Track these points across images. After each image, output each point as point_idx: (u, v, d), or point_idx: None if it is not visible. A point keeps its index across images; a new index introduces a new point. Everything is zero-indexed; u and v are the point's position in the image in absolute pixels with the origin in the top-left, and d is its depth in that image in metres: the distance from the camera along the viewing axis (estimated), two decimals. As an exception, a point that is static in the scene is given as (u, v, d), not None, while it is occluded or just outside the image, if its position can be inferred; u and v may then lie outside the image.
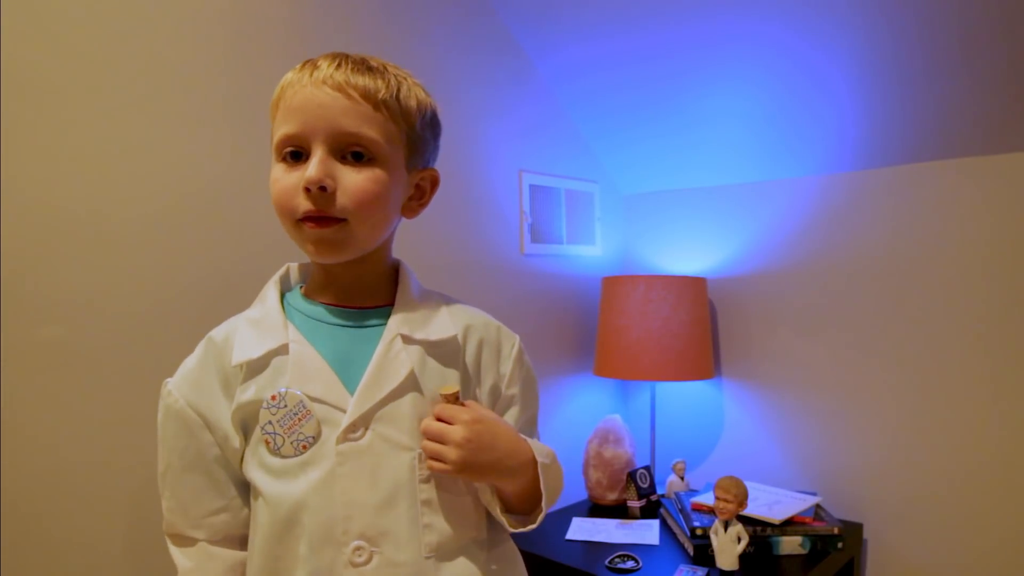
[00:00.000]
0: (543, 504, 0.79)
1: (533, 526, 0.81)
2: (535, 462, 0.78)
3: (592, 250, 1.94)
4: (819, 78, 1.47)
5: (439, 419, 0.74)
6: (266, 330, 0.76)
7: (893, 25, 1.31)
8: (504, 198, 1.68)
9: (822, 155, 1.62)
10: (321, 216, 0.71)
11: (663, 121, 1.74)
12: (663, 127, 1.76)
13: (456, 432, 0.72)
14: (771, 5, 1.38)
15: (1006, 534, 1.43)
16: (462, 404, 0.76)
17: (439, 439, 0.73)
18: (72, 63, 1.02)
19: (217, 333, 0.79)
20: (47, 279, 1.00)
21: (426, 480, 0.74)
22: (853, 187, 1.62)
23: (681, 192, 1.92)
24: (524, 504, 0.80)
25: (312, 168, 0.69)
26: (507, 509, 0.80)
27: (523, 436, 0.81)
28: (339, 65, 0.72)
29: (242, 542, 0.79)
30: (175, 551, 0.78)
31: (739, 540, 1.31)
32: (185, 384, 0.76)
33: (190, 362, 0.78)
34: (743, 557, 1.34)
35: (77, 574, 1.03)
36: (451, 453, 0.72)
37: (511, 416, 0.84)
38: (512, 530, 0.80)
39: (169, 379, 0.78)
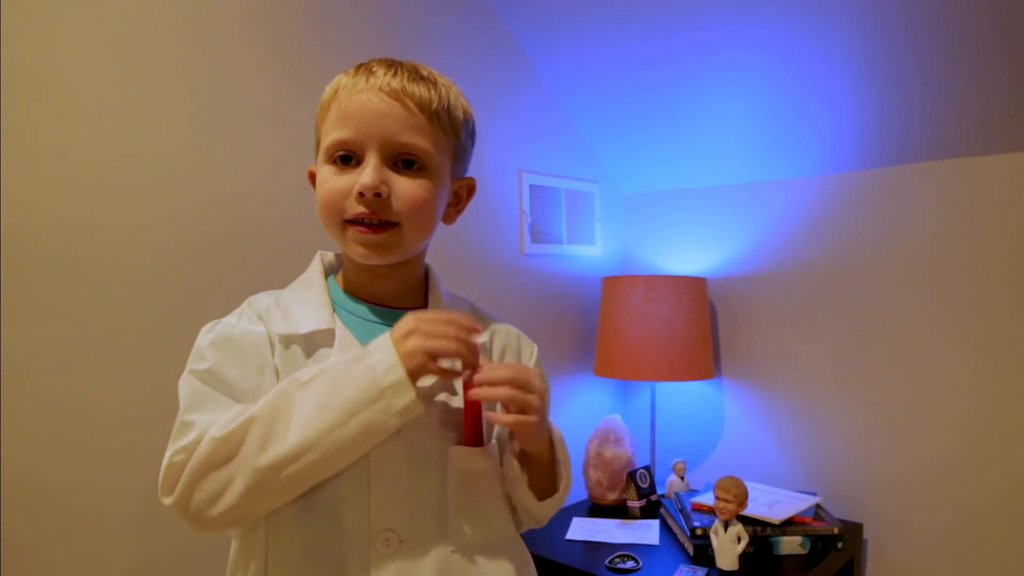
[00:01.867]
0: (560, 469, 0.81)
1: (559, 494, 0.82)
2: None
3: (592, 250, 1.94)
4: (815, 81, 1.47)
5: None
6: (313, 310, 0.76)
7: (887, 27, 1.31)
8: (504, 198, 1.68)
9: (819, 156, 1.63)
10: (374, 220, 0.72)
11: (664, 123, 1.74)
12: (664, 129, 1.76)
13: (536, 381, 0.72)
14: (767, 11, 1.38)
15: (1006, 534, 1.43)
16: None
17: (525, 387, 0.71)
18: (69, 61, 1.02)
19: (258, 300, 0.79)
20: (47, 279, 1.00)
21: (455, 477, 0.75)
22: (850, 187, 1.62)
23: (681, 192, 1.92)
24: (539, 486, 0.81)
25: (368, 175, 0.71)
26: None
27: None
28: (395, 72, 0.74)
29: None
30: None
31: (739, 540, 1.31)
32: (235, 320, 0.76)
33: (232, 316, 0.77)
34: (743, 557, 1.34)
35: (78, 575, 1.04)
36: (537, 401, 0.72)
37: None
38: (537, 504, 0.81)
39: (211, 321, 0.77)
